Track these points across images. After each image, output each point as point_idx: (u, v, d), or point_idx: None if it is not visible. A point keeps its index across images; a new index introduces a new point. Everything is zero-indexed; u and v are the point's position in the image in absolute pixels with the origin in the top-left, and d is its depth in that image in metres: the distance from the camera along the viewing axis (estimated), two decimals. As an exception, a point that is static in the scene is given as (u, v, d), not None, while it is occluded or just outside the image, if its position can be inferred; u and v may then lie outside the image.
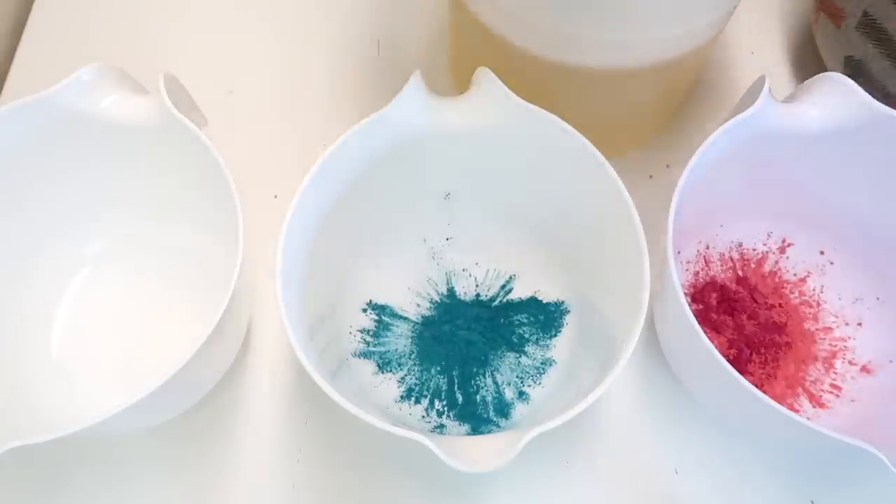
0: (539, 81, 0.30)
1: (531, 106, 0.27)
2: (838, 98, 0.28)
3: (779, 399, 0.31)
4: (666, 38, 0.28)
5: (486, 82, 0.28)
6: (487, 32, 0.30)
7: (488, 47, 0.31)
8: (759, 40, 0.41)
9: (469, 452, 0.22)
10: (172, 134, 0.28)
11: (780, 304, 0.33)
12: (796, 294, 0.33)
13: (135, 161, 0.31)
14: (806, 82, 0.29)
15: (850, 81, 0.28)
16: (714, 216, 0.34)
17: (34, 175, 0.30)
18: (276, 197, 0.36)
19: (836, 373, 0.32)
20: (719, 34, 0.31)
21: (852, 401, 0.31)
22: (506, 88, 0.27)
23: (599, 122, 0.31)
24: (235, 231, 0.26)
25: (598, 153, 0.27)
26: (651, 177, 0.37)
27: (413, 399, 0.31)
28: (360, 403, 0.23)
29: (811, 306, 0.33)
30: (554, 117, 0.27)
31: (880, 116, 0.28)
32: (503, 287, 0.33)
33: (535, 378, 0.31)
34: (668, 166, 0.37)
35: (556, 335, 0.32)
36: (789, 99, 0.30)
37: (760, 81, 0.28)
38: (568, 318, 0.32)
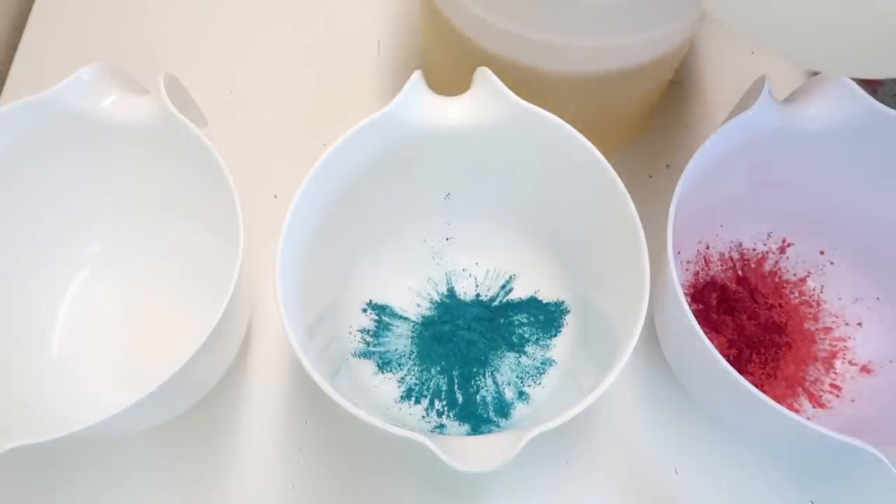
0: (512, 86, 0.29)
1: (531, 106, 0.27)
2: (838, 98, 0.28)
3: (779, 399, 0.31)
4: (635, 44, 0.27)
5: (487, 82, 0.28)
6: (460, 37, 0.29)
7: (461, 52, 0.30)
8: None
9: (469, 452, 0.22)
10: (172, 134, 0.28)
11: (780, 304, 0.33)
12: (796, 294, 0.33)
13: (135, 161, 0.31)
14: (806, 82, 0.29)
15: (850, 82, 0.28)
16: (714, 216, 0.34)
17: (34, 175, 0.30)
18: (276, 197, 0.36)
19: (836, 373, 0.32)
20: (689, 39, 0.31)
21: (852, 401, 0.31)
22: (506, 88, 0.27)
23: (578, 125, 0.31)
24: (235, 231, 0.26)
25: (598, 153, 0.27)
26: (651, 177, 0.37)
27: (413, 399, 0.31)
28: (360, 403, 0.23)
29: (811, 306, 0.33)
30: (554, 117, 0.27)
31: (880, 116, 0.28)
32: (503, 287, 0.33)
33: (535, 378, 0.31)
34: (668, 166, 0.37)
35: (556, 335, 0.32)
36: (789, 99, 0.30)
37: (760, 81, 0.28)
38: (568, 318, 0.32)
